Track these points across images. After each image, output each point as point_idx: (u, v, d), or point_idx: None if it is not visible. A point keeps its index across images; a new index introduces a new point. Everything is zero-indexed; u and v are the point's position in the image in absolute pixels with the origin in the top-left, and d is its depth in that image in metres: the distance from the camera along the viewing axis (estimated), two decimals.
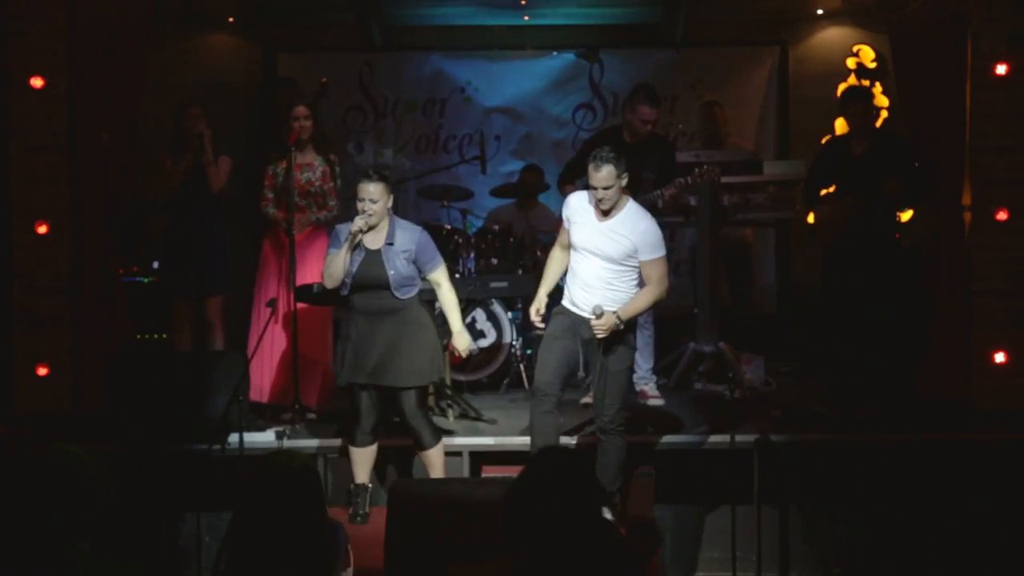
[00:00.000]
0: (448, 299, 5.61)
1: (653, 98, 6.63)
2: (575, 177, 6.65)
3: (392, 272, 5.40)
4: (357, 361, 5.45)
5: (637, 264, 5.20)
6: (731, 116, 8.39)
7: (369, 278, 5.41)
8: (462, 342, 5.65)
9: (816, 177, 6.87)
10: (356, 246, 5.41)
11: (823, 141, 8.22)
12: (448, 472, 5.62)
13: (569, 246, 5.39)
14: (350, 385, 5.52)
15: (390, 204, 5.45)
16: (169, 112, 6.80)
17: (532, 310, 5.50)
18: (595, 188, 5.15)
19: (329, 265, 5.45)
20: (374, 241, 5.46)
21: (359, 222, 5.34)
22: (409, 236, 5.49)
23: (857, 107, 6.67)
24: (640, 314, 5.35)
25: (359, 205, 5.38)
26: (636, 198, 5.54)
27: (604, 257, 5.21)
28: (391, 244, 5.45)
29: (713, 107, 8.26)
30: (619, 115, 9.17)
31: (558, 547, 2.73)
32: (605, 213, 5.22)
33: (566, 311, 5.38)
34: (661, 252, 5.20)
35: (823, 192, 6.87)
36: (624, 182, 5.20)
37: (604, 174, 5.11)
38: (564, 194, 6.18)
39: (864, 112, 6.69)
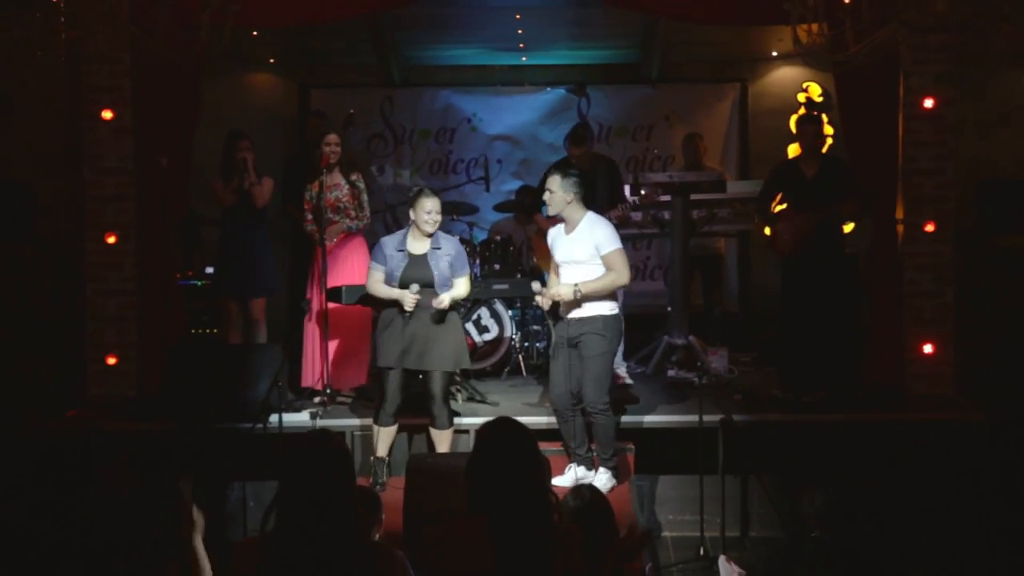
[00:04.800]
0: (460, 292, 5.57)
1: (577, 139, 6.81)
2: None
3: (437, 273, 5.46)
4: (394, 348, 5.45)
5: (600, 262, 5.37)
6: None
7: (414, 280, 5.42)
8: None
9: (769, 194, 6.85)
10: (403, 250, 5.45)
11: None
12: (456, 448, 5.64)
13: (556, 271, 5.57)
14: (383, 369, 5.50)
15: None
16: (219, 140, 6.81)
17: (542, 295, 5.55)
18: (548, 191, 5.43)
19: (372, 288, 5.52)
20: (419, 247, 5.48)
21: (410, 303, 5.37)
22: (451, 244, 5.58)
23: (811, 127, 6.71)
24: (599, 292, 5.36)
25: (424, 217, 5.40)
26: None
27: (576, 262, 5.40)
28: (438, 249, 5.49)
29: (695, 138, 8.29)
30: (604, 141, 9.24)
31: (507, 506, 2.79)
32: (567, 223, 5.44)
33: (560, 323, 5.52)
34: (616, 245, 5.40)
35: (776, 208, 6.88)
36: (570, 197, 5.38)
37: (549, 182, 5.46)
38: (536, 222, 6.49)
39: (816, 133, 6.72)
